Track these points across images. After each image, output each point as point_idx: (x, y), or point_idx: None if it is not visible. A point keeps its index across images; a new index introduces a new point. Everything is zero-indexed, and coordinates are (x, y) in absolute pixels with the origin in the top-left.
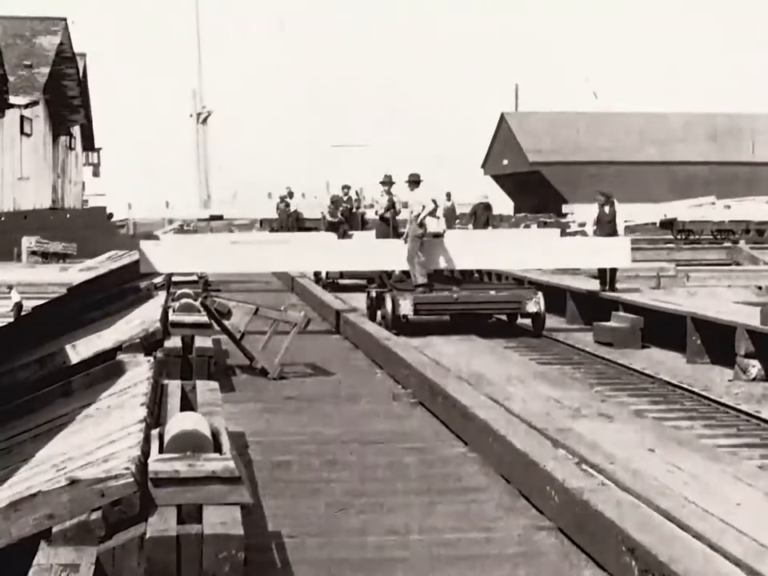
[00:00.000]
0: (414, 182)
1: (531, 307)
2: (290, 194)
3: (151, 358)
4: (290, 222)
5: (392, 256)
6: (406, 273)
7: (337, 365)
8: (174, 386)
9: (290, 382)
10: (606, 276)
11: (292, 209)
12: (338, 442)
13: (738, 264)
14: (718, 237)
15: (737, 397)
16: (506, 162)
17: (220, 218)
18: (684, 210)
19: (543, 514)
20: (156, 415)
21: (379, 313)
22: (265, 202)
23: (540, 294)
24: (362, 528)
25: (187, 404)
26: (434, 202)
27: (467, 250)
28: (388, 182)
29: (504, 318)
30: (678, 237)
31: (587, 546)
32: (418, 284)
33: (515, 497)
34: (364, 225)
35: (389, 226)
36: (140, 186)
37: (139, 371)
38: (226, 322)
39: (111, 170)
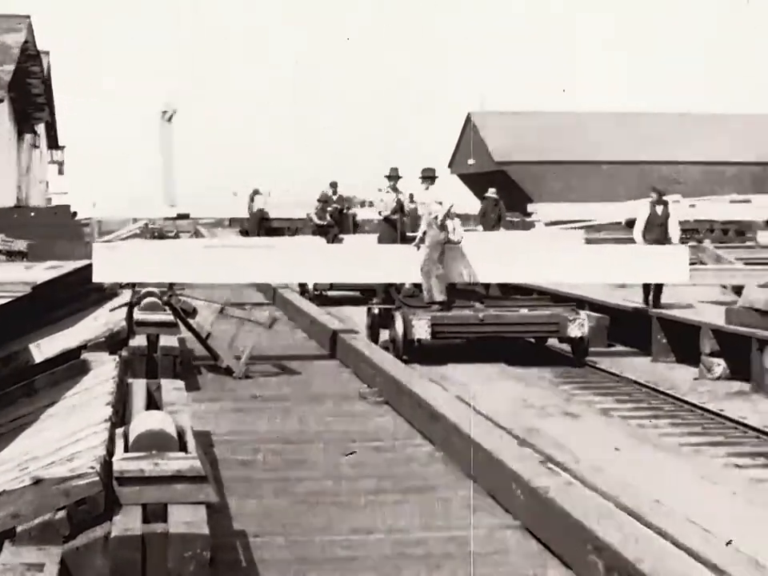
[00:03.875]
0: (430, 177)
1: (574, 331)
2: (256, 192)
3: (116, 357)
4: (251, 222)
5: (401, 265)
6: (417, 286)
7: (302, 363)
8: (138, 385)
9: (255, 381)
10: (650, 290)
11: (257, 208)
12: (304, 441)
13: (702, 263)
14: (683, 236)
15: (701, 395)
16: (471, 161)
17: (186, 216)
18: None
19: (509, 512)
20: (121, 414)
21: (384, 334)
22: (231, 201)
23: (583, 313)
24: (327, 527)
25: (152, 403)
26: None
27: (493, 260)
28: (395, 177)
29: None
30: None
31: (553, 545)
32: (435, 301)
33: (481, 496)
34: (356, 228)
35: (395, 230)
36: (104, 185)
37: (104, 370)
38: (191, 321)
39: (76, 168)
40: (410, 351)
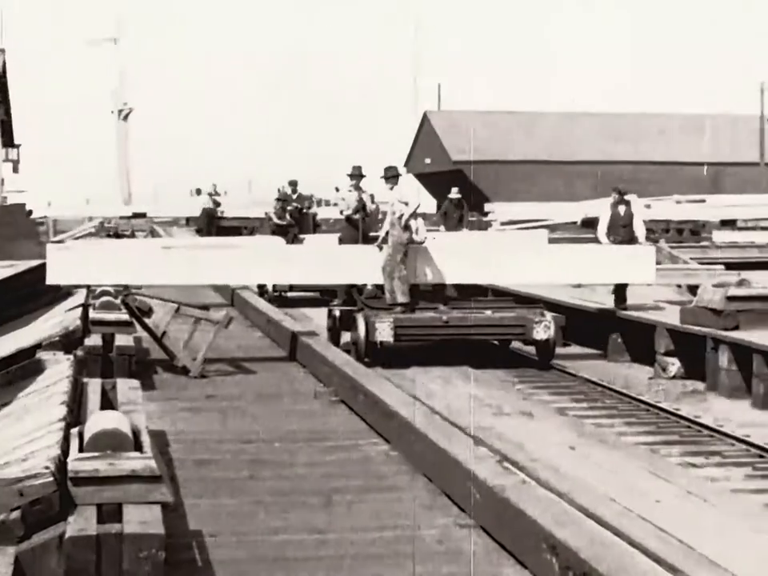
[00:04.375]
0: (394, 176)
1: (540, 333)
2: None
3: (71, 357)
4: (200, 220)
5: (363, 266)
6: (379, 287)
7: (258, 363)
8: (94, 385)
9: (211, 381)
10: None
11: (203, 206)
12: (260, 441)
13: (658, 263)
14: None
15: (656, 395)
16: (428, 160)
17: (143, 215)
18: (599, 209)
19: (464, 511)
20: (76, 414)
21: (345, 337)
22: (188, 200)
23: (550, 315)
24: (283, 527)
25: (107, 403)
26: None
27: (458, 261)
28: (357, 176)
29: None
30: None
31: (508, 544)
32: (398, 303)
33: (437, 495)
34: (316, 227)
35: (357, 230)
36: (60, 184)
37: (59, 369)
38: (147, 320)
39: (31, 166)
40: (373, 354)
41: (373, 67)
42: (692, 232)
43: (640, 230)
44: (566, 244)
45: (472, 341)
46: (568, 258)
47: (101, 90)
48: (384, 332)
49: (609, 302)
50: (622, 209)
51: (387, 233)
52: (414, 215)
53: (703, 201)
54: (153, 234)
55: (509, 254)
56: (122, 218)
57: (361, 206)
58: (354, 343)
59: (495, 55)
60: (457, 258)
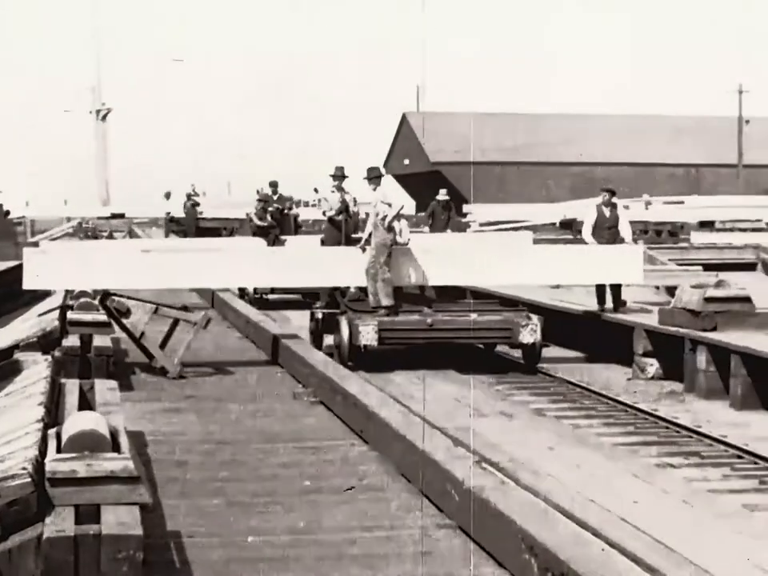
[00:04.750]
0: (376, 177)
1: (526, 336)
2: (194, 193)
3: (49, 357)
4: (165, 226)
5: (346, 268)
6: (362, 290)
7: (237, 364)
8: (72, 385)
9: (189, 382)
10: (605, 293)
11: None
12: (238, 442)
13: None
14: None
15: (635, 395)
16: (407, 161)
17: (121, 216)
18: (584, 210)
19: (443, 512)
20: (54, 415)
21: (327, 340)
22: (165, 201)
23: (536, 318)
24: (261, 527)
25: (85, 403)
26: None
27: (442, 262)
28: (340, 176)
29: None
30: (578, 237)
31: (487, 545)
32: (382, 305)
33: (416, 496)
34: (297, 229)
35: (340, 231)
36: (38, 184)
37: (36, 370)
38: (125, 321)
39: (8, 166)
40: (356, 358)
41: (351, 67)
42: (670, 233)
43: (626, 232)
44: (553, 244)
45: (457, 344)
46: (554, 258)
47: (79, 90)
48: (368, 335)
49: (587, 303)
50: (608, 210)
51: (370, 234)
52: (398, 216)
53: (681, 202)
54: (131, 234)
55: (494, 255)
56: (100, 218)
57: (344, 207)
58: (338, 347)
59: (484, 56)
60: (441, 259)
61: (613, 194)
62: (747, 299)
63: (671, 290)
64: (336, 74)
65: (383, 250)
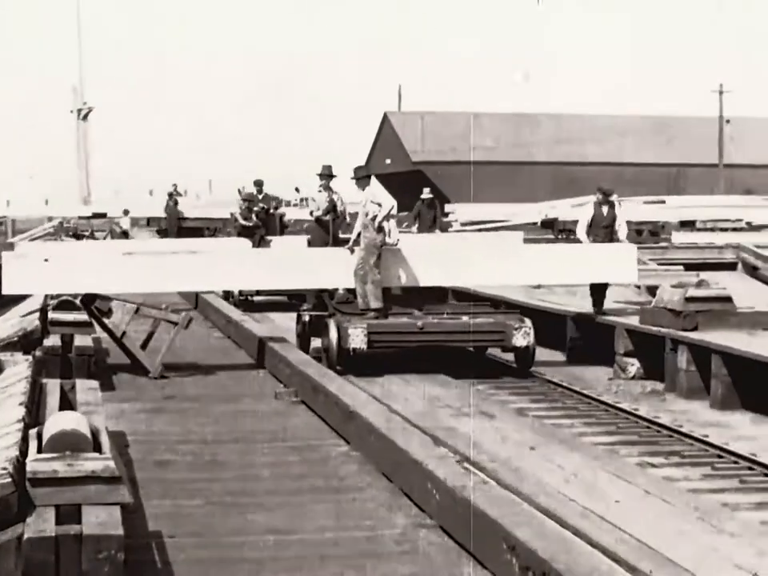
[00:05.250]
0: (365, 177)
1: (519, 340)
2: (176, 192)
3: (30, 357)
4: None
5: (334, 270)
6: (351, 291)
7: (219, 364)
8: (53, 385)
9: (171, 382)
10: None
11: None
12: (220, 442)
13: None
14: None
15: (616, 395)
16: (388, 161)
17: (103, 215)
18: (565, 209)
19: (425, 512)
20: (34, 415)
21: (315, 343)
22: (147, 200)
23: (529, 321)
24: (243, 527)
25: (66, 403)
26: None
27: (432, 262)
28: (327, 175)
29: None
30: (559, 236)
31: (469, 544)
32: (371, 308)
33: (397, 495)
34: (283, 229)
35: (327, 232)
36: (19, 183)
37: (17, 370)
38: (106, 321)
39: None
40: (346, 361)
41: (334, 67)
42: (651, 233)
43: (622, 231)
44: (548, 244)
45: (448, 348)
46: (547, 258)
47: (61, 89)
48: (357, 338)
49: (568, 302)
50: (605, 209)
51: (359, 234)
52: (387, 217)
53: (663, 202)
54: (112, 234)
55: (485, 256)
56: (81, 218)
57: (331, 207)
58: (326, 350)
59: (459, 55)
60: (431, 260)
61: (609, 193)
62: (728, 299)
63: (652, 290)
64: (318, 74)
65: (373, 250)
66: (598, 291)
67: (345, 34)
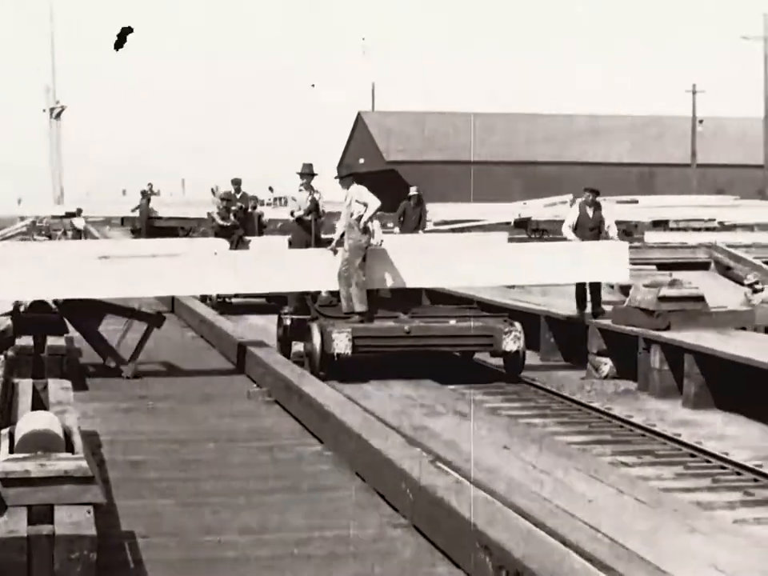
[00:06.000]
0: (349, 176)
1: (509, 344)
2: (151, 191)
3: (1, 357)
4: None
5: (317, 272)
6: (334, 294)
7: (192, 364)
8: (25, 385)
9: (144, 381)
10: (586, 295)
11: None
12: (193, 441)
13: None
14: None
15: (589, 394)
16: (362, 160)
17: (74, 215)
18: (538, 209)
19: (398, 511)
20: (6, 415)
21: (296, 347)
22: (120, 199)
23: (518, 325)
24: (216, 527)
25: (39, 403)
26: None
27: (418, 263)
28: (309, 174)
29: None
30: (533, 236)
31: (442, 544)
32: (355, 311)
33: (370, 495)
34: (262, 229)
35: (309, 233)
36: None
37: None
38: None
39: None
40: (330, 367)
41: (308, 66)
42: (624, 232)
43: (613, 231)
44: (532, 242)
45: (436, 352)
46: (535, 257)
47: (33, 88)
48: (341, 343)
49: (542, 302)
50: (591, 211)
51: (342, 234)
52: (372, 217)
53: (636, 202)
54: (85, 233)
55: (472, 256)
56: (54, 217)
57: (314, 206)
58: (308, 355)
59: (432, 54)
60: (416, 261)
61: (597, 193)
62: (701, 298)
63: (625, 289)
64: (290, 73)
65: (358, 252)
66: (592, 291)
67: (319, 33)
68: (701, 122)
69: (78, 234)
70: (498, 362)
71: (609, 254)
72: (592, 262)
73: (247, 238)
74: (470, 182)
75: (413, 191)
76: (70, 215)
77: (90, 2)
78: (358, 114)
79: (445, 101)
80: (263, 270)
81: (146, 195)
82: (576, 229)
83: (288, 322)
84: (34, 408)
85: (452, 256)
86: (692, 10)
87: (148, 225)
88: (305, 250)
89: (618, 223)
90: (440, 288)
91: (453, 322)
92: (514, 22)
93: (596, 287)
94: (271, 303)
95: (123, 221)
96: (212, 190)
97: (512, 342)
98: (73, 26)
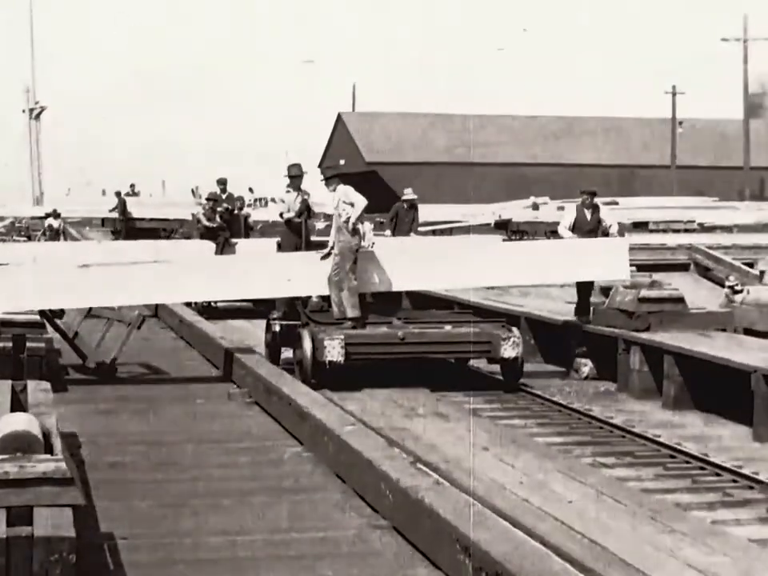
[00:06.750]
0: (335, 176)
1: (508, 351)
2: (133, 192)
3: None
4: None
5: (307, 276)
6: (325, 299)
7: (172, 364)
8: (3, 386)
9: (124, 383)
10: (590, 296)
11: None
12: (173, 443)
13: None
14: (552, 238)
15: (569, 395)
16: (342, 161)
17: (52, 215)
18: (518, 210)
19: (378, 512)
20: None
21: (286, 353)
22: (99, 200)
23: (516, 331)
24: (196, 528)
25: (18, 404)
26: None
27: (410, 266)
28: (298, 175)
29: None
30: (513, 237)
31: (422, 545)
32: (347, 317)
33: (350, 496)
34: (248, 230)
35: (299, 235)
36: None
37: None
38: (58, 321)
39: None
40: (322, 375)
41: (288, 66)
42: (604, 234)
43: (614, 228)
44: (528, 241)
45: (431, 359)
46: (531, 256)
47: (12, 89)
48: (333, 350)
49: (522, 303)
50: (589, 212)
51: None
52: (362, 218)
53: (616, 203)
54: (65, 234)
55: (466, 257)
56: (33, 218)
57: (305, 208)
58: (299, 362)
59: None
60: (409, 263)
61: (594, 195)
62: (680, 300)
63: (605, 291)
64: (270, 74)
65: (349, 255)
66: (584, 291)
67: (298, 33)
68: (680, 123)
69: (57, 235)
70: (493, 368)
71: (608, 251)
72: (591, 261)
73: (234, 240)
74: (450, 183)
75: (408, 195)
76: (48, 216)
77: (70, 3)
78: (339, 114)
79: (425, 102)
80: (252, 274)
81: (120, 196)
82: (573, 231)
83: (277, 328)
84: (13, 409)
85: (444, 258)
86: (671, 11)
87: (128, 226)
88: (294, 254)
89: None
90: (426, 291)
91: (448, 327)
92: (491, 22)
93: (587, 290)
94: (259, 308)
95: (104, 221)
96: (192, 191)
97: (511, 348)
98: (53, 26)
